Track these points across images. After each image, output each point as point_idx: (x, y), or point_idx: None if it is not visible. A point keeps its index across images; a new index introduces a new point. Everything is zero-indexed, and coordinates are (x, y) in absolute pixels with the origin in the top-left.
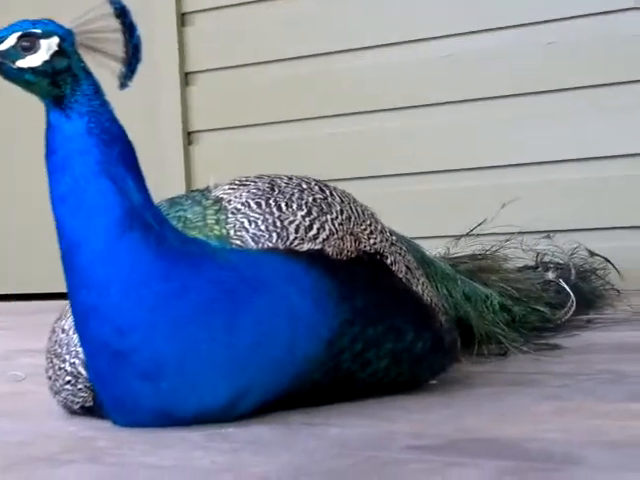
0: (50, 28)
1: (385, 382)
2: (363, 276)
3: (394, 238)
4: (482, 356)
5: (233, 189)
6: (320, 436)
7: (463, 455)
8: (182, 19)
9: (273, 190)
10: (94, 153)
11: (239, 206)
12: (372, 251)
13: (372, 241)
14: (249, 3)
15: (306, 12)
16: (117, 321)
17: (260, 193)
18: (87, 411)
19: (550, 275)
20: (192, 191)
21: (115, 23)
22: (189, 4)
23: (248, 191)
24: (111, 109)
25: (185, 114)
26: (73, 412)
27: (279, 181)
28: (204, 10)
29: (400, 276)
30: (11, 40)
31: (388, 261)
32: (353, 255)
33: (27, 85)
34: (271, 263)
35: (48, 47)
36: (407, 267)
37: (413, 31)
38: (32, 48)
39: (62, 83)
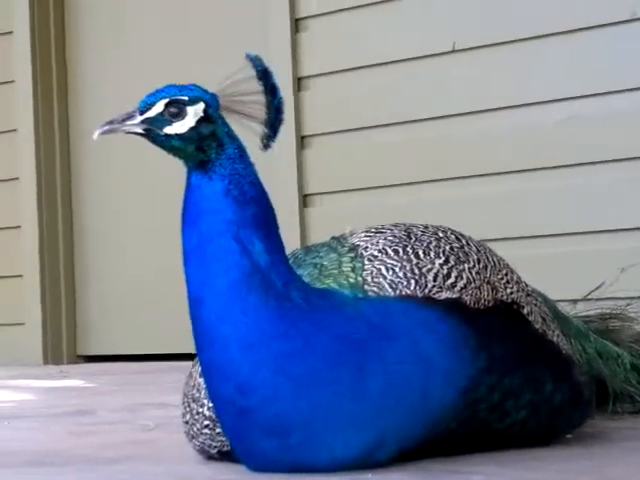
0: (196, 94)
1: (522, 434)
2: (500, 325)
3: (529, 289)
4: (616, 414)
5: (369, 237)
6: None
7: None
8: (299, 84)
9: (410, 238)
10: (225, 212)
11: (376, 253)
12: (509, 300)
13: (509, 290)
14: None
15: (420, 75)
16: (238, 379)
17: (397, 240)
18: (224, 455)
19: None
20: (331, 238)
21: (257, 85)
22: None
23: (385, 238)
24: (254, 171)
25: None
26: (210, 457)
27: (415, 229)
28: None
29: (537, 327)
30: (159, 107)
31: (524, 311)
32: (490, 304)
33: (173, 150)
34: (405, 310)
35: (194, 113)
36: (543, 318)
37: (534, 93)
38: (179, 115)
39: (207, 148)
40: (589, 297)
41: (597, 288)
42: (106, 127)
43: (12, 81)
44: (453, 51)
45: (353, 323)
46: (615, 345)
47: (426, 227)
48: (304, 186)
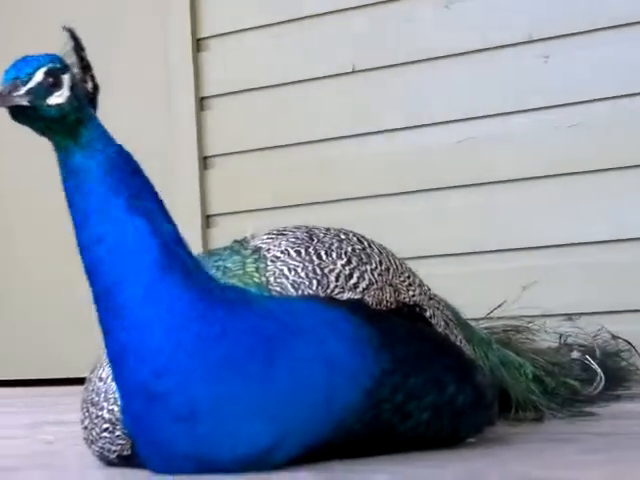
0: (65, 63)
1: (426, 436)
2: (403, 326)
3: (432, 293)
4: (518, 421)
5: (272, 238)
6: None
7: None
8: (201, 104)
9: (312, 239)
10: (121, 188)
11: (278, 254)
12: (411, 303)
13: (411, 293)
14: (266, 88)
15: (321, 95)
16: (155, 362)
17: (299, 242)
18: (124, 460)
19: (575, 354)
20: (233, 242)
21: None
22: (207, 89)
23: (287, 240)
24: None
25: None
26: (109, 462)
27: (317, 231)
28: (222, 95)
29: (439, 330)
30: (39, 76)
31: (427, 314)
32: (392, 306)
33: (52, 124)
34: (310, 310)
35: (68, 82)
36: (445, 322)
37: (427, 115)
38: (57, 84)
39: (84, 120)
40: (491, 315)
41: (499, 306)
42: None
43: None
44: (353, 72)
45: (263, 319)
46: (517, 355)
47: (328, 229)
48: (207, 207)
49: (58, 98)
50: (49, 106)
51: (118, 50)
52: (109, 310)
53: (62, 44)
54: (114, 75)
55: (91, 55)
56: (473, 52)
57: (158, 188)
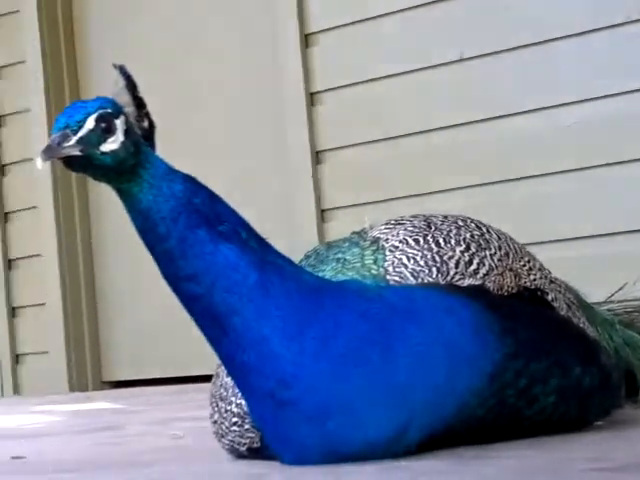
0: (118, 107)
1: (552, 420)
2: (525, 311)
3: (553, 276)
4: None
5: (389, 229)
6: (495, 465)
7: None
8: (311, 99)
9: (430, 227)
10: (199, 221)
11: (397, 244)
12: (532, 287)
13: (532, 277)
14: (379, 79)
15: (430, 85)
16: (280, 374)
17: (417, 230)
18: (254, 453)
19: None
20: (352, 233)
21: (128, 97)
22: (316, 84)
23: (405, 229)
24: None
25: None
26: (240, 455)
27: (434, 219)
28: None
29: (562, 313)
30: (90, 123)
31: (549, 297)
32: (513, 291)
33: (108, 171)
34: (427, 296)
35: (121, 127)
36: (567, 305)
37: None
38: (110, 130)
39: (141, 162)
40: (612, 298)
41: (620, 289)
42: (47, 154)
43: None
44: (461, 59)
45: (375, 304)
46: None
47: (445, 217)
48: (322, 202)
49: (112, 144)
50: (103, 154)
51: (228, 50)
52: (220, 336)
53: (113, 83)
54: (224, 75)
55: (203, 59)
56: (577, 34)
57: (274, 187)
